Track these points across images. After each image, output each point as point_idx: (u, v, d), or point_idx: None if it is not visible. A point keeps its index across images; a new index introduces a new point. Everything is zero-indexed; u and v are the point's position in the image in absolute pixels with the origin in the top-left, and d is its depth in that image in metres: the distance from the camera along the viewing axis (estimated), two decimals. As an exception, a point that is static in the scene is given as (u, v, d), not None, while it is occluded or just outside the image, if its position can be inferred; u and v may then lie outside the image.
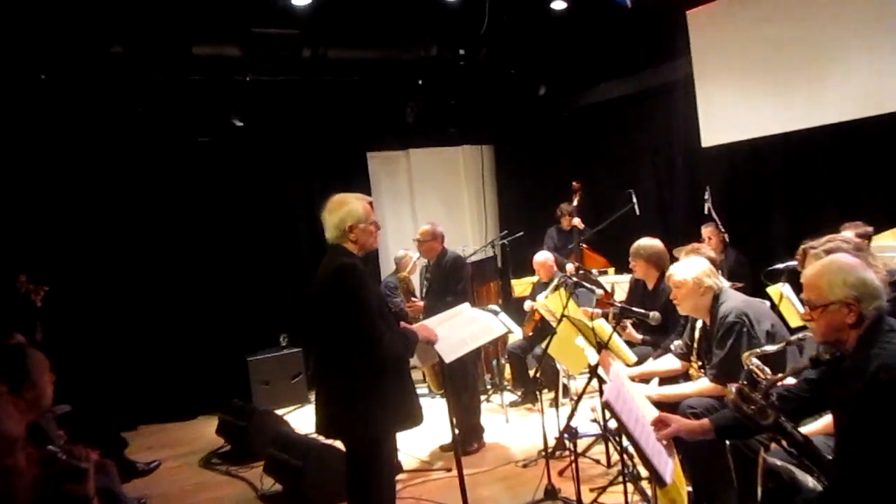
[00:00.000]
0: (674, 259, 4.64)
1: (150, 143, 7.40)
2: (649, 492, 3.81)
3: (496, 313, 5.39)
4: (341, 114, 8.29)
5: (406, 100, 8.37)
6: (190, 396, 7.39)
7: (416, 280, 6.91)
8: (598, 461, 4.82)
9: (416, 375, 3.83)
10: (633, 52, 7.83)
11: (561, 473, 4.69)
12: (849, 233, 4.28)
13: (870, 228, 4.59)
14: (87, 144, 7.13)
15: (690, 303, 3.77)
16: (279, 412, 6.41)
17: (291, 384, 7.50)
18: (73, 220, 7.05)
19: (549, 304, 5.13)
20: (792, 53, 6.36)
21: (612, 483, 4.34)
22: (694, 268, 3.75)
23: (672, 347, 4.17)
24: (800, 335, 3.29)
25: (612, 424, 4.34)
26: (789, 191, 6.68)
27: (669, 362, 4.15)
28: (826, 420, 2.92)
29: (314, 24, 6.78)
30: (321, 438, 5.27)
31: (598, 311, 5.16)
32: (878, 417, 2.32)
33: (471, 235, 9.53)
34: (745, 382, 3.04)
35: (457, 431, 3.91)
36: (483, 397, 6.38)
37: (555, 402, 5.60)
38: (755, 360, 3.23)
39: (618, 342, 4.34)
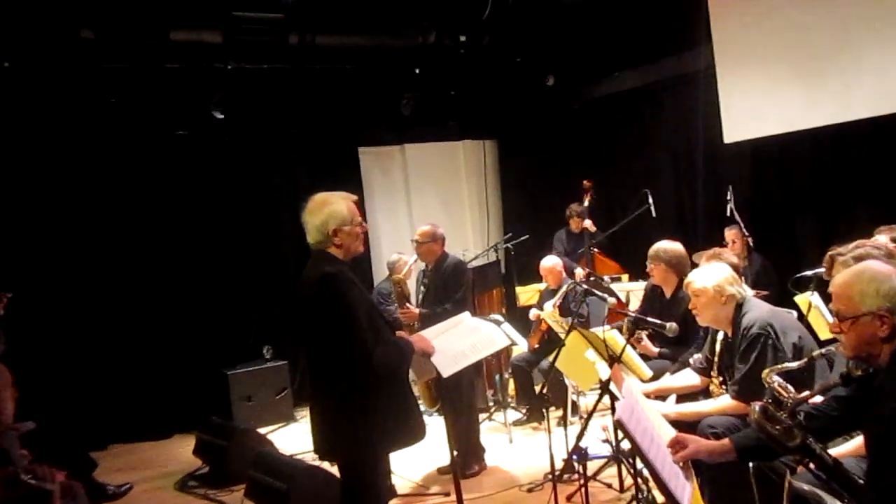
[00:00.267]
0: (693, 265, 4.65)
1: (123, 137, 7.40)
2: (665, 519, 3.82)
3: (499, 323, 5.39)
4: (331, 106, 8.29)
5: (402, 91, 8.38)
6: (165, 413, 7.38)
7: (411, 286, 6.91)
8: (609, 485, 4.82)
9: (411, 391, 3.83)
10: (649, 39, 7.85)
11: (569, 499, 4.69)
12: (883, 237, 4.28)
13: (906, 232, 4.60)
14: (54, 139, 7.12)
15: (711, 313, 3.78)
16: (262, 431, 6.41)
17: (276, 400, 7.49)
18: (39, 221, 7.04)
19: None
20: (823, 40, 6.36)
21: (624, 509, 4.35)
22: (715, 275, 3.76)
23: (691, 361, 4.18)
24: (828, 349, 3.30)
25: (626, 445, 4.34)
26: (819, 191, 6.69)
27: (688, 377, 4.16)
28: (857, 441, 2.93)
29: (301, 8, 6.80)
30: (307, 459, 5.31)
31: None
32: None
33: (472, 238, 9.53)
34: (770, 400, 3.05)
35: (455, 453, 3.92)
36: (484, 415, 6.39)
37: (563, 421, 5.61)
38: (776, 378, 3.24)
39: (632, 355, 4.35)
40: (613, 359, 3.94)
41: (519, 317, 7.31)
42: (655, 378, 4.38)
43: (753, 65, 6.92)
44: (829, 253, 3.63)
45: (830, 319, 4.17)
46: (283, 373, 7.57)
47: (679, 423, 3.47)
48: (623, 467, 4.69)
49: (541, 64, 8.66)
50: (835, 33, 6.28)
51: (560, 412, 6.18)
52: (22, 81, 6.65)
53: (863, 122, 6.16)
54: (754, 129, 6.97)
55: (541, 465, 5.34)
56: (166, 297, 7.55)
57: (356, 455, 3.23)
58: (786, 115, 6.68)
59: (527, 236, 7.74)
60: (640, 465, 3.85)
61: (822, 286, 4.35)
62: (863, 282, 2.52)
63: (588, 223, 7.64)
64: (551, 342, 5.93)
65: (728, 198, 6.36)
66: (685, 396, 4.14)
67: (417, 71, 8.30)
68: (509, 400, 6.86)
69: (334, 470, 3.82)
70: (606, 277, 7.05)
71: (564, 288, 6.01)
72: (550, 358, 4.50)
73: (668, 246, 4.93)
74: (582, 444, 3.99)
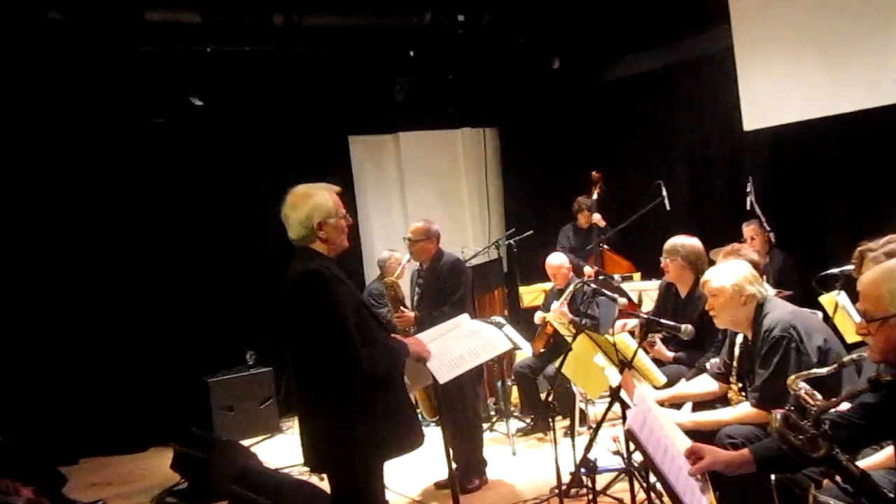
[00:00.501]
0: (711, 262, 4.66)
1: (93, 126, 7.40)
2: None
3: (501, 326, 5.41)
4: (318, 91, 8.30)
5: (395, 75, 8.38)
6: (140, 425, 7.39)
7: (405, 286, 6.92)
8: (620, 500, 4.83)
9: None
10: (662, 18, 7.86)
11: (577, 515, 4.71)
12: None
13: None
14: (19, 127, 7.12)
15: (729, 314, 3.79)
16: (245, 443, 6.43)
17: (260, 410, 7.51)
18: (1, 217, 7.04)
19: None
20: (849, 21, 6.36)
21: (636, 526, 4.35)
22: (733, 273, 3.77)
23: (708, 366, 4.19)
24: (859, 353, 3.30)
25: (637, 457, 4.35)
26: (847, 182, 6.70)
27: (704, 384, 4.17)
28: (887, 452, 2.94)
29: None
30: (295, 473, 5.32)
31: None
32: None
33: (471, 235, 9.55)
34: (793, 408, 3.05)
35: (454, 465, 3.92)
36: (486, 425, 6.40)
37: (570, 431, 5.62)
38: (803, 384, 3.24)
39: (644, 360, 4.35)
40: (624, 364, 3.95)
41: (522, 319, 7.32)
42: (670, 384, 4.38)
43: (775, 46, 6.92)
44: (859, 248, 3.63)
45: (858, 321, 4.19)
46: (267, 380, 7.59)
47: (695, 433, 3.48)
48: (635, 481, 4.68)
49: (546, 45, 8.65)
50: (863, 10, 6.28)
51: (567, 422, 6.18)
52: (-17, 66, 6.65)
53: (892, 108, 6.16)
54: (776, 116, 6.97)
55: (546, 478, 5.34)
56: (141, 298, 7.55)
57: (348, 466, 3.23)
58: (810, 101, 6.68)
59: (531, 232, 7.75)
60: (652, 478, 3.86)
61: (849, 285, 4.36)
62: (893, 280, 2.52)
63: (597, 218, 7.65)
64: (557, 346, 5.94)
65: (748, 190, 6.38)
66: (701, 404, 4.14)
67: (412, 53, 8.28)
68: (512, 409, 6.87)
69: (324, 485, 3.83)
70: (617, 276, 7.04)
71: (571, 287, 6.02)
72: (556, 363, 4.50)
73: (686, 241, 4.95)
74: (590, 456, 4.01)
